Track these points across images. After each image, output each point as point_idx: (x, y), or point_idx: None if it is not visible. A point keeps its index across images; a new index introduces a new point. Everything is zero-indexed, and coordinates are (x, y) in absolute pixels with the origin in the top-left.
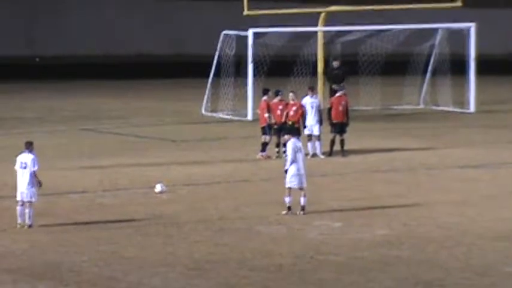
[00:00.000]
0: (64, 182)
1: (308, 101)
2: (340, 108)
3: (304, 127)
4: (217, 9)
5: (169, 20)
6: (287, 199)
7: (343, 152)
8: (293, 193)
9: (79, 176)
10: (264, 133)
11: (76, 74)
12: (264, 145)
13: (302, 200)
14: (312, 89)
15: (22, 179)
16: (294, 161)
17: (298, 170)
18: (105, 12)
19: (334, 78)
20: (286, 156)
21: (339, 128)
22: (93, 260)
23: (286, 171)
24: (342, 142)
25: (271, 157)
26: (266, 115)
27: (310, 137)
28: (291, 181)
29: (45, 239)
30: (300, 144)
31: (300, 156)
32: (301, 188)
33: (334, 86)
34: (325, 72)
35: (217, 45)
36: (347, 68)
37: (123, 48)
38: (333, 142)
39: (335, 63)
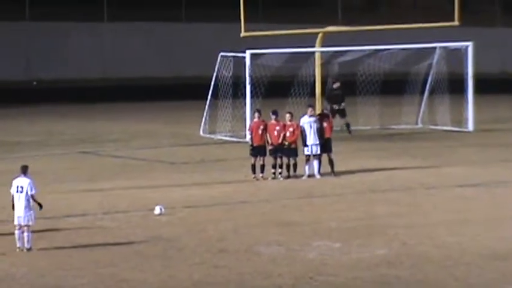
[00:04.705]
0: (63, 205)
1: (306, 120)
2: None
3: (305, 146)
4: (215, 30)
5: (166, 42)
6: None
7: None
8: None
9: (78, 199)
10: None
11: (74, 98)
12: (261, 166)
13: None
14: (313, 107)
15: (19, 203)
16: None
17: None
18: (103, 35)
19: (334, 98)
20: (281, 177)
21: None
22: (93, 283)
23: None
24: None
25: (268, 178)
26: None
27: (308, 157)
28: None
29: (44, 262)
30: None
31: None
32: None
33: (335, 106)
34: (324, 93)
35: (214, 66)
36: (346, 88)
37: (121, 71)
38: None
39: (335, 85)
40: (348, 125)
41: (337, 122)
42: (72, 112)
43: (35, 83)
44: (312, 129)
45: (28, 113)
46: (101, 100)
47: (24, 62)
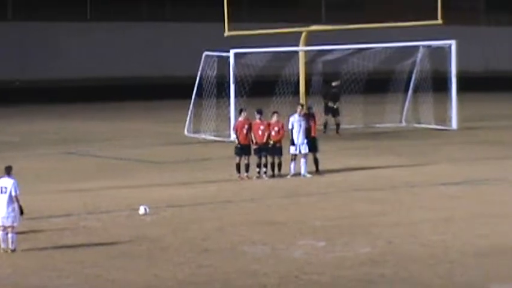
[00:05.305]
0: (47, 205)
1: (296, 119)
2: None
3: (293, 145)
4: (199, 30)
5: (152, 42)
6: None
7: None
8: None
9: (62, 200)
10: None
11: (57, 97)
12: (246, 166)
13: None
14: (303, 106)
15: (2, 204)
16: None
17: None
18: (89, 34)
19: (331, 96)
20: (266, 176)
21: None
22: (78, 284)
23: None
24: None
25: (252, 177)
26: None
27: (294, 156)
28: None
29: (28, 263)
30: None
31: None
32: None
33: (330, 104)
34: (308, 91)
35: (199, 66)
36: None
37: (106, 70)
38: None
39: (334, 83)
40: (337, 125)
41: (327, 120)
42: (55, 112)
43: (17, 82)
44: (301, 128)
45: (10, 113)
46: (83, 100)
47: (7, 61)
